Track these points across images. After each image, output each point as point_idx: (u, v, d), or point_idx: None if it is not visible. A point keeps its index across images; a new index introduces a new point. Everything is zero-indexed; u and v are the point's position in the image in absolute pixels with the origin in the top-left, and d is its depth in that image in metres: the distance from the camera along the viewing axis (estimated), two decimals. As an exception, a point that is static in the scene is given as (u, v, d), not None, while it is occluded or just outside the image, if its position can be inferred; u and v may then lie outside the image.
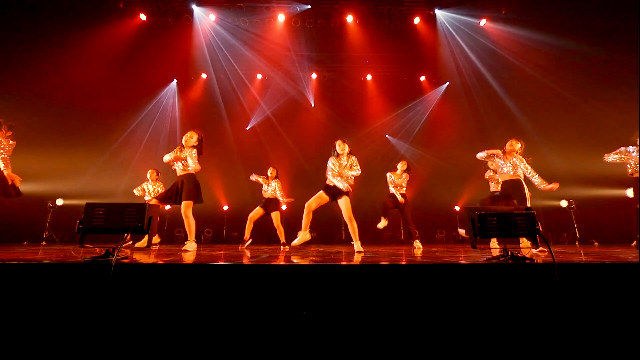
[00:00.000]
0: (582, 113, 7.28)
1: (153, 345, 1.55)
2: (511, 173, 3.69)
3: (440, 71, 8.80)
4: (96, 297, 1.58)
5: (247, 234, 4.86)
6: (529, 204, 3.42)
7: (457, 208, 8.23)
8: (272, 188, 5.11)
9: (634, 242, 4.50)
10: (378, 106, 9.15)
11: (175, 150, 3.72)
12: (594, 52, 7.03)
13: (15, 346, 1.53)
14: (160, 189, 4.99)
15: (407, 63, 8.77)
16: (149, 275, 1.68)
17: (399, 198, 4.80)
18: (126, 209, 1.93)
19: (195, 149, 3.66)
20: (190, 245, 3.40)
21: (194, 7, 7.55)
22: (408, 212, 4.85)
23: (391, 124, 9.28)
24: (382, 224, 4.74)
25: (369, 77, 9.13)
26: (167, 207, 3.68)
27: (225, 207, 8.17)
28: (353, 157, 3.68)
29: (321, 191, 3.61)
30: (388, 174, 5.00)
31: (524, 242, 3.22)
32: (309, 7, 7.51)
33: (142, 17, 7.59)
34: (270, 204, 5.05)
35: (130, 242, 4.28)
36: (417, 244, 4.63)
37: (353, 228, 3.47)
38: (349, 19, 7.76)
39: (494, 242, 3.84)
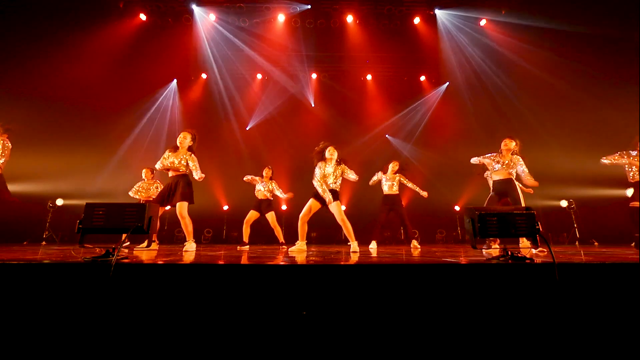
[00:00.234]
0: (583, 113, 7.27)
1: (153, 345, 1.55)
2: (503, 172, 3.65)
3: (441, 71, 8.80)
4: (96, 297, 1.58)
5: (245, 238, 4.84)
6: (523, 204, 3.41)
7: (457, 208, 8.23)
8: (267, 188, 5.07)
9: (634, 243, 4.49)
10: (378, 106, 9.15)
11: (165, 155, 3.64)
12: (594, 51, 7.04)
13: (15, 346, 1.53)
14: (156, 188, 4.99)
15: (407, 63, 8.78)
16: (149, 275, 1.68)
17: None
18: (126, 209, 1.93)
19: (194, 156, 3.64)
20: (190, 246, 3.39)
21: (194, 7, 7.56)
22: (404, 212, 4.91)
23: (391, 124, 9.28)
24: (373, 245, 4.62)
25: (369, 77, 9.13)
26: (167, 207, 3.67)
27: (225, 207, 8.17)
28: (343, 165, 3.67)
29: (311, 199, 3.62)
30: (379, 173, 5.05)
31: (524, 242, 3.22)
32: (309, 7, 7.52)
33: (142, 17, 7.61)
34: (264, 205, 5.00)
35: (128, 242, 4.26)
36: (415, 243, 4.68)
37: (347, 229, 3.50)
38: (349, 19, 7.77)
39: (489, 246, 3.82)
